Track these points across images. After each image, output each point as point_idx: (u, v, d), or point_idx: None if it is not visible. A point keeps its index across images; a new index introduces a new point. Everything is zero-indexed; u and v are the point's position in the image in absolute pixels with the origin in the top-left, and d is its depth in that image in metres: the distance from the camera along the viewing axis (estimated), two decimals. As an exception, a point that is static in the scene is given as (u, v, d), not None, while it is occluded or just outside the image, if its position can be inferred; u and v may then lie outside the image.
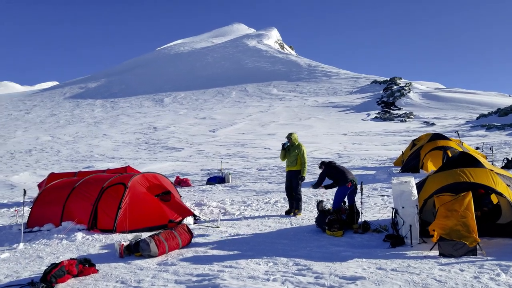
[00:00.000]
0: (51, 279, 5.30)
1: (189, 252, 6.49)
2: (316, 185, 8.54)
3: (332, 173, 8.25)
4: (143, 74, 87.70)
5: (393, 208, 6.69)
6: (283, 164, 9.84)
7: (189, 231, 7.06)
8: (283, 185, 12.89)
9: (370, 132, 31.52)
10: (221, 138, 31.46)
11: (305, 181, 9.62)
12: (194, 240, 7.13)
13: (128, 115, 49.46)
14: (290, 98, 56.09)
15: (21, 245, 7.58)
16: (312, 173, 15.70)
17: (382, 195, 10.81)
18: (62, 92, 79.44)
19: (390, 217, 6.90)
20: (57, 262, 5.62)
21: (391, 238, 6.38)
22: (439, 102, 46.06)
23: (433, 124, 35.42)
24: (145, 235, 6.97)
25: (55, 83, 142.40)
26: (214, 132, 35.15)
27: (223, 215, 9.55)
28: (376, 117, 41.47)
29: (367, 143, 26.01)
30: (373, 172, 14.69)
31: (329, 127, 35.40)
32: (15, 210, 10.69)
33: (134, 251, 6.53)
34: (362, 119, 40.23)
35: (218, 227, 8.24)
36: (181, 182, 15.43)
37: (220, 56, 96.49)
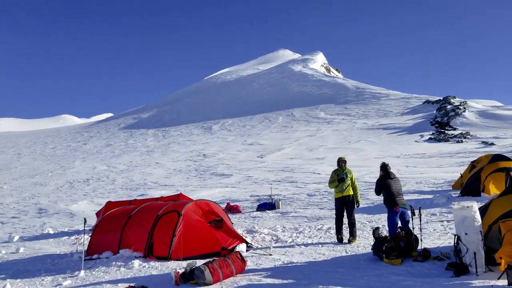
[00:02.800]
0: (112, 306, 5.49)
1: (243, 280, 6.46)
2: (377, 192, 8.24)
3: (383, 188, 7.92)
4: (192, 103, 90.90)
5: (455, 235, 6.31)
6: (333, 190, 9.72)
7: (242, 258, 7.06)
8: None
9: (424, 154, 30.18)
10: (269, 164, 31.52)
11: (359, 207, 9.45)
12: (247, 267, 7.12)
13: (179, 143, 51.11)
14: (338, 121, 55.36)
15: (82, 273, 7.94)
16: (365, 198, 15.26)
17: (442, 221, 10.23)
18: (116, 123, 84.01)
19: (452, 244, 6.51)
20: (117, 289, 5.81)
21: (455, 266, 5.99)
22: (497, 121, 43.36)
23: (492, 144, 33.28)
24: (199, 262, 7.06)
25: (110, 114, 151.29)
26: (262, 157, 35.32)
27: (275, 242, 9.46)
28: (430, 138, 39.72)
29: (422, 166, 24.90)
30: (430, 196, 13.99)
31: (380, 149, 34.36)
32: (76, 238, 11.27)
33: (189, 278, 6.63)
34: (416, 141, 38.66)
35: (271, 254, 8.17)
36: (232, 209, 15.56)
37: (266, 82, 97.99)
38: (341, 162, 9.52)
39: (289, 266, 7.26)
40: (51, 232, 14.24)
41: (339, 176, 9.27)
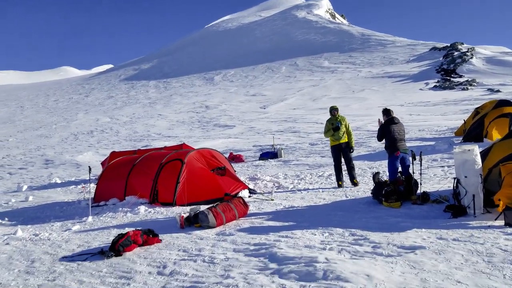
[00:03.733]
0: (119, 248, 5.69)
1: (245, 223, 6.65)
2: (379, 138, 8.21)
3: (385, 135, 7.86)
4: (193, 53, 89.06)
5: (454, 178, 6.37)
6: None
7: (245, 203, 7.21)
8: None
9: (429, 102, 29.85)
10: (272, 114, 31.40)
11: (360, 154, 9.53)
12: (249, 212, 7.30)
13: (181, 95, 50.73)
14: (342, 70, 54.31)
15: (90, 218, 8.20)
16: (367, 145, 15.30)
17: (442, 166, 10.31)
18: (117, 75, 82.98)
19: (451, 188, 6.59)
20: (123, 232, 6.00)
21: (453, 208, 6.10)
22: (505, 68, 42.35)
23: (498, 91, 32.74)
24: (203, 207, 7.23)
25: (110, 66, 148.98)
26: (264, 108, 35.13)
27: (277, 189, 9.64)
28: (435, 86, 39.08)
29: (426, 114, 24.72)
30: (432, 143, 14.00)
31: (384, 98, 33.96)
32: (82, 187, 11.53)
33: (193, 222, 6.82)
34: (420, 89, 38.07)
35: (272, 199, 8.34)
36: (235, 158, 15.73)
37: (269, 30, 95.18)
38: (334, 110, 9.57)
39: (290, 210, 7.43)
40: (58, 181, 14.55)
41: (334, 125, 9.32)
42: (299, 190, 9.30)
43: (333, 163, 9.54)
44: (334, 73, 53.25)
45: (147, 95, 55.02)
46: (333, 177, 10.35)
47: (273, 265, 4.57)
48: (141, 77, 74.30)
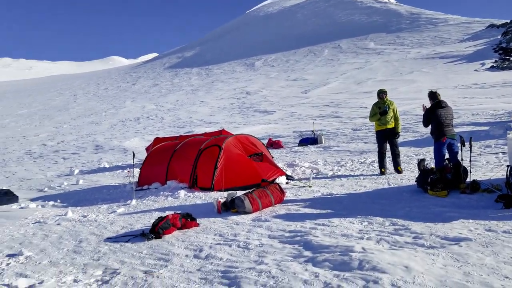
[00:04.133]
0: (159, 231, 5.86)
1: (281, 210, 6.60)
2: (425, 123, 7.79)
3: (432, 120, 7.39)
4: (234, 39, 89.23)
5: (508, 166, 5.92)
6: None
7: (281, 190, 7.15)
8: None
9: (484, 84, 27.98)
10: (313, 99, 30.90)
11: (407, 140, 9.17)
12: (286, 198, 7.24)
13: (222, 81, 51.19)
14: (389, 52, 52.16)
15: (134, 201, 8.53)
16: (414, 131, 14.68)
17: (497, 153, 9.65)
18: (162, 63, 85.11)
19: (504, 176, 6.13)
20: (163, 216, 6.16)
21: (505, 198, 5.68)
22: None
23: None
24: (239, 193, 7.27)
25: (155, 54, 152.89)
26: (306, 93, 34.63)
27: (315, 175, 9.49)
28: (492, 66, 36.53)
29: (481, 96, 23.18)
30: (486, 127, 13.14)
31: (435, 80, 32.27)
32: (128, 171, 12.02)
33: (230, 207, 6.88)
34: (476, 70, 35.74)
35: (310, 186, 8.21)
36: (273, 144, 15.67)
37: (311, 13, 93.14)
38: (382, 93, 9.14)
39: (328, 197, 7.28)
40: (107, 166, 15.25)
41: (381, 108, 8.92)
42: (339, 177, 9.09)
43: (377, 149, 9.19)
44: (381, 55, 51.27)
45: (189, 82, 56.04)
46: (376, 164, 10.02)
47: (307, 253, 4.50)
48: (184, 64, 75.70)
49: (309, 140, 15.36)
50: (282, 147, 15.54)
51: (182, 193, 8.56)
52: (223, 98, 37.55)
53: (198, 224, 6.25)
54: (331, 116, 22.87)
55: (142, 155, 15.19)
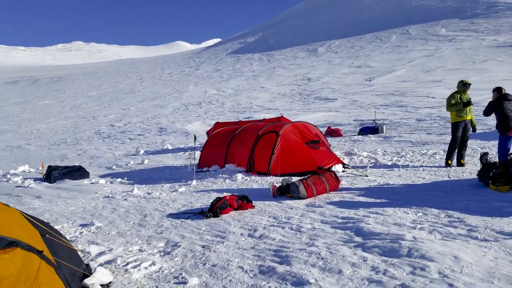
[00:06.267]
0: (216, 210, 6.20)
1: (335, 197, 6.64)
2: (485, 113, 7.40)
3: (497, 113, 6.94)
4: (297, 24, 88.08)
5: None
6: (448, 114, 8.99)
7: (337, 178, 7.17)
8: (444, 136, 11.76)
9: None
10: (377, 87, 29.83)
11: (472, 132, 8.77)
12: (341, 186, 7.25)
13: (283, 67, 51.00)
14: (462, 39, 48.57)
15: (194, 182, 9.01)
16: (482, 123, 13.78)
17: None
18: (224, 48, 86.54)
19: None
20: (221, 196, 6.49)
21: None
22: None
23: None
24: (295, 179, 7.40)
25: (218, 39, 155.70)
26: (370, 81, 33.49)
27: (373, 165, 9.32)
28: None
29: None
30: None
31: (511, 70, 29.73)
32: (189, 154, 12.62)
33: (285, 192, 7.05)
34: (559, 59, 32.35)
35: (367, 176, 8.11)
36: (332, 132, 15.50)
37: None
38: (467, 85, 8.65)
39: (384, 187, 7.17)
40: (170, 147, 16.11)
41: (465, 99, 8.48)
42: (397, 167, 8.86)
43: (450, 140, 8.76)
44: (452, 42, 47.95)
45: (251, 68, 56.51)
46: (437, 156, 9.62)
47: (358, 239, 4.56)
48: (246, 50, 76.34)
49: (369, 129, 14.99)
50: (341, 135, 15.34)
51: (240, 176, 8.87)
52: (284, 85, 37.50)
53: (254, 206, 6.50)
54: (395, 105, 22.00)
55: (203, 139, 15.82)
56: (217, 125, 14.70)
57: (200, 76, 55.58)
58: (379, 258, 3.99)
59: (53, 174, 10.91)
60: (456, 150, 8.66)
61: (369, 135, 14.60)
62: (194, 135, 10.95)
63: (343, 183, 7.53)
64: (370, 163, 9.34)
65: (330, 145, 10.63)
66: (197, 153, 11.68)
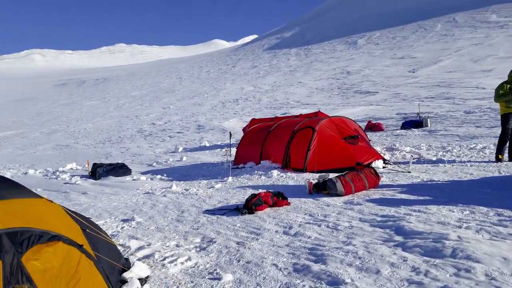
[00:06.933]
0: (251, 206, 6.18)
1: (375, 194, 6.41)
2: None
3: None
4: (335, 17, 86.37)
5: None
6: (498, 105, 8.41)
7: (376, 174, 6.92)
8: (495, 129, 11.11)
9: None
10: (422, 79, 28.65)
11: None
12: (381, 183, 6.99)
13: (321, 61, 50.22)
14: (514, 25, 45.64)
15: (230, 179, 9.05)
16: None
17: None
18: (261, 45, 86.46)
19: None
20: (256, 193, 6.45)
21: None
22: None
23: None
24: (332, 175, 7.22)
25: (254, 36, 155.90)
26: (413, 72, 32.23)
27: (416, 160, 8.94)
28: None
29: None
30: None
31: None
32: (225, 150, 12.72)
33: (322, 189, 6.89)
34: None
35: (409, 172, 7.78)
36: (373, 127, 15.05)
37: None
38: None
39: (428, 183, 6.82)
40: (207, 145, 16.33)
41: None
42: (443, 162, 8.42)
43: (500, 133, 8.22)
44: (504, 29, 45.09)
45: (288, 63, 56.12)
46: (487, 150, 9.06)
47: (398, 238, 4.35)
48: (283, 45, 75.89)
49: (413, 123, 14.41)
50: (382, 130, 14.86)
51: (275, 173, 8.80)
52: (322, 79, 36.93)
53: (289, 203, 6.41)
54: (441, 97, 21.03)
55: (239, 135, 15.87)
56: (253, 121, 14.70)
57: (237, 73, 55.92)
58: (420, 258, 3.78)
59: (97, 171, 11.37)
60: (507, 144, 8.10)
61: (412, 129, 14.05)
62: (230, 132, 11.01)
63: (384, 180, 7.26)
64: (413, 159, 8.95)
65: (370, 140, 10.32)
66: (233, 150, 11.74)
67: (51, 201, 3.71)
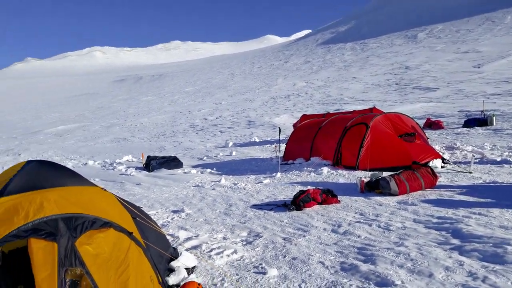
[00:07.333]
0: (299, 203, 6.08)
1: (432, 195, 6.05)
2: None
3: None
4: (394, 10, 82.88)
5: None
6: None
7: (434, 174, 6.52)
8: None
9: None
10: (488, 74, 26.70)
11: None
12: (439, 184, 6.59)
13: (378, 56, 48.44)
14: None
15: (278, 174, 8.99)
16: None
17: None
18: (314, 39, 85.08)
19: None
20: (304, 189, 6.34)
21: None
22: None
23: None
24: (385, 174, 6.93)
25: (308, 31, 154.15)
26: (479, 67, 30.11)
27: (478, 160, 8.32)
28: None
29: None
30: None
31: None
32: (275, 146, 12.67)
33: (374, 187, 6.63)
34: None
35: (470, 172, 7.26)
36: (432, 124, 14.26)
37: (490, -26, 79.52)
38: None
39: (490, 185, 6.32)
40: (257, 140, 16.38)
41: None
42: (508, 163, 7.77)
43: None
44: None
45: (342, 58, 54.78)
46: (563, 151, 8.24)
47: (455, 241, 4.07)
48: (338, 40, 74.19)
49: (476, 121, 13.45)
50: (442, 127, 14.03)
51: (325, 170, 8.60)
52: (378, 74, 35.63)
53: (339, 201, 6.23)
54: (509, 94, 19.47)
55: (289, 131, 15.75)
56: (304, 117, 14.50)
57: (289, 69, 55.56)
58: (478, 263, 3.51)
59: (151, 164, 11.82)
60: None
61: (475, 127, 13.11)
62: (279, 128, 10.93)
63: (442, 180, 6.83)
64: (475, 159, 8.34)
65: (428, 138, 9.77)
66: (283, 146, 11.66)
67: (105, 190, 3.88)
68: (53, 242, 2.81)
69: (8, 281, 3.40)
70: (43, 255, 2.75)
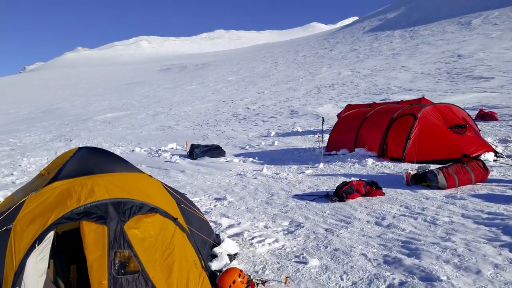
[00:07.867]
0: (342, 194, 6.01)
1: (483, 189, 5.76)
2: None
3: None
4: (448, -5, 78.46)
5: None
6: None
7: (485, 167, 6.20)
8: None
9: None
10: (551, 62, 24.80)
11: None
12: (490, 178, 6.27)
13: (429, 44, 46.18)
14: None
15: (321, 165, 8.89)
16: None
17: None
18: (361, 27, 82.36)
19: None
20: (348, 181, 6.25)
21: None
22: None
23: None
24: (433, 166, 6.67)
25: (355, 18, 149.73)
26: (538, 55, 28.03)
27: (536, 154, 7.79)
28: None
29: None
30: None
31: None
32: (318, 136, 12.52)
33: (421, 180, 6.43)
34: None
35: (526, 167, 6.82)
36: (485, 116, 13.48)
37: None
38: None
39: (550, 181, 5.92)
40: (299, 130, 16.26)
41: None
42: None
43: None
44: None
45: (390, 46, 52.77)
46: None
47: (505, 238, 3.88)
48: (386, 27, 71.46)
49: (534, 113, 12.57)
50: (496, 119, 13.23)
51: (370, 161, 8.40)
52: (429, 63, 34.05)
53: (384, 193, 6.09)
54: None
55: (333, 122, 15.49)
56: (349, 107, 14.18)
57: (334, 57, 54.35)
58: (532, 263, 3.32)
59: (195, 152, 12.11)
60: None
61: (533, 119, 12.26)
62: (322, 118, 10.77)
63: (494, 174, 6.48)
64: (533, 152, 7.83)
65: (480, 130, 9.26)
66: (326, 136, 11.50)
67: (151, 176, 4.04)
68: (103, 225, 2.99)
69: (62, 261, 3.65)
70: (94, 237, 2.94)
